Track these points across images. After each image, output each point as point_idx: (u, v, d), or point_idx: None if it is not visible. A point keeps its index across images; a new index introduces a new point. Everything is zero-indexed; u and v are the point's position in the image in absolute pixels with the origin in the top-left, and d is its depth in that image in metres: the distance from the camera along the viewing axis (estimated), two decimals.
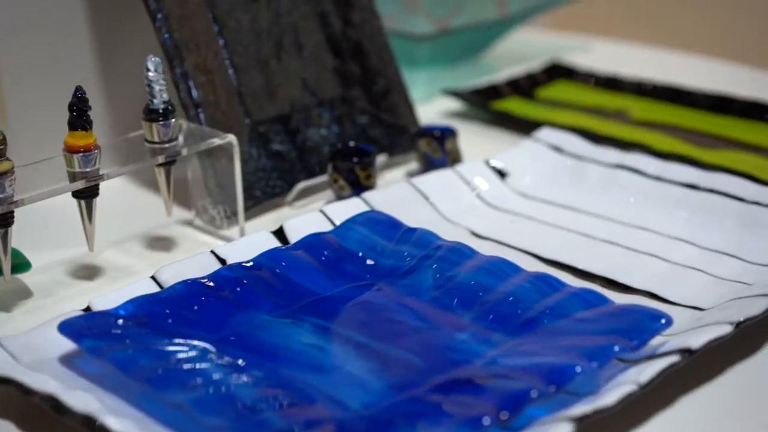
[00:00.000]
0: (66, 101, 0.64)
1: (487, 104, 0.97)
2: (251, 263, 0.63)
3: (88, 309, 0.60)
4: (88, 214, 0.67)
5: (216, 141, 0.71)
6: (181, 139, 0.70)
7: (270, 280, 0.62)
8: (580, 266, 0.68)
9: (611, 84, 1.02)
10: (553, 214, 0.75)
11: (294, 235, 0.68)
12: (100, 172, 0.66)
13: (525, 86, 1.02)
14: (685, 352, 0.54)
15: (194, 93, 0.76)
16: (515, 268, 0.62)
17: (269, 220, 0.77)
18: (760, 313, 0.58)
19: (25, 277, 0.69)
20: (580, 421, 0.49)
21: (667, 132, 0.90)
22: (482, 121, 0.96)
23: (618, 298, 0.62)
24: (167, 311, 0.58)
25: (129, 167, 0.68)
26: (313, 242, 0.66)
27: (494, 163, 0.80)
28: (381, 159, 0.84)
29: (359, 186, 0.77)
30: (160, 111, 0.68)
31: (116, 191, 0.78)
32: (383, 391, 0.53)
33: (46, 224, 0.74)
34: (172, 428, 0.51)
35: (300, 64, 0.83)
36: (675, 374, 0.55)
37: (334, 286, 0.63)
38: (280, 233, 0.68)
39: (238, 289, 0.61)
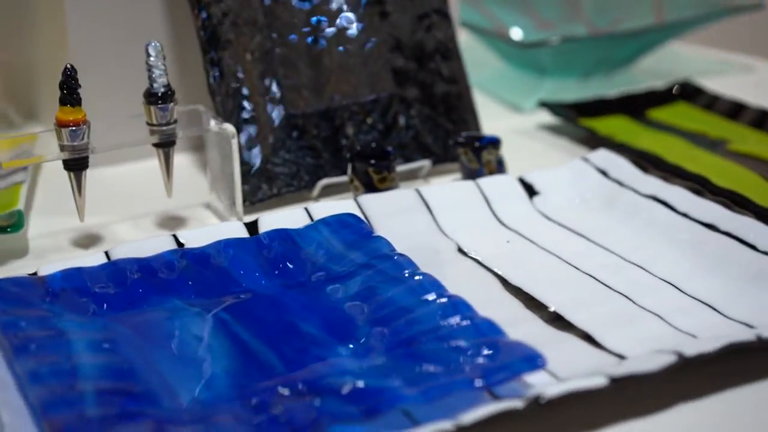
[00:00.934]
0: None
1: (576, 120, 0.92)
2: (197, 251, 0.64)
3: (35, 273, 0.63)
4: (78, 185, 0.70)
5: (212, 128, 0.73)
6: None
7: (204, 269, 0.63)
8: (537, 296, 0.63)
9: (731, 111, 0.94)
10: (558, 240, 0.71)
11: (266, 229, 0.68)
12: (90, 146, 0.69)
13: (638, 105, 0.96)
14: (534, 399, 0.50)
15: (218, 80, 0.77)
16: (439, 289, 0.60)
17: (288, 213, 0.78)
18: (640, 372, 0.52)
19: (31, 239, 0.74)
20: None
21: (752, 166, 0.82)
22: (573, 138, 0.92)
23: (554, 335, 0.59)
24: (88, 284, 0.61)
25: (119, 144, 0.71)
26: (270, 236, 0.66)
27: (529, 178, 0.77)
28: (424, 165, 0.82)
29: (373, 188, 0.76)
30: (159, 95, 0.71)
31: (150, 172, 0.81)
32: (222, 392, 0.53)
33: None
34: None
35: (357, 61, 0.82)
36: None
37: (264, 282, 0.63)
38: (254, 225, 0.69)
39: (168, 273, 0.62)
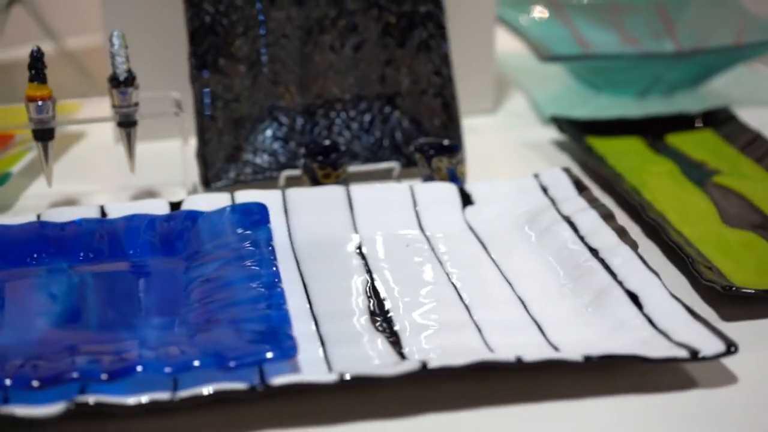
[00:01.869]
0: None
1: (582, 137, 0.92)
2: (101, 220, 0.72)
3: None
4: (45, 154, 0.79)
5: (168, 112, 0.80)
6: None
7: (102, 236, 0.70)
8: (385, 297, 0.66)
9: (746, 143, 0.90)
10: (455, 248, 0.73)
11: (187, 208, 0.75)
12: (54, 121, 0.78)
13: (657, 128, 0.94)
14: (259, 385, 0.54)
15: (204, 73, 0.84)
16: (270, 279, 0.64)
17: (215, 197, 0.82)
18: (375, 375, 0.54)
19: (23, 199, 0.84)
20: None
21: (722, 199, 0.80)
22: (576, 155, 0.91)
23: (370, 333, 0.62)
24: None
25: (81, 120, 0.80)
26: (177, 215, 0.72)
27: (470, 188, 0.79)
28: (393, 167, 0.86)
29: (317, 183, 0.80)
30: (121, 80, 0.79)
31: (154, 152, 0.90)
32: (30, 342, 0.60)
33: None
34: None
35: (347, 61, 0.87)
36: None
37: (147, 255, 0.70)
38: (177, 205, 0.75)
39: (68, 236, 0.70)
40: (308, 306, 0.65)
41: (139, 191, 0.86)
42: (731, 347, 0.57)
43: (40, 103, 0.77)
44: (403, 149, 0.87)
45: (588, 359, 0.56)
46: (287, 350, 0.56)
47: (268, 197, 0.76)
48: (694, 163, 0.88)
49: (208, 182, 0.84)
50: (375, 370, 0.55)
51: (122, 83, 0.79)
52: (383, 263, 0.71)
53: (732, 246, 0.72)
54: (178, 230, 0.71)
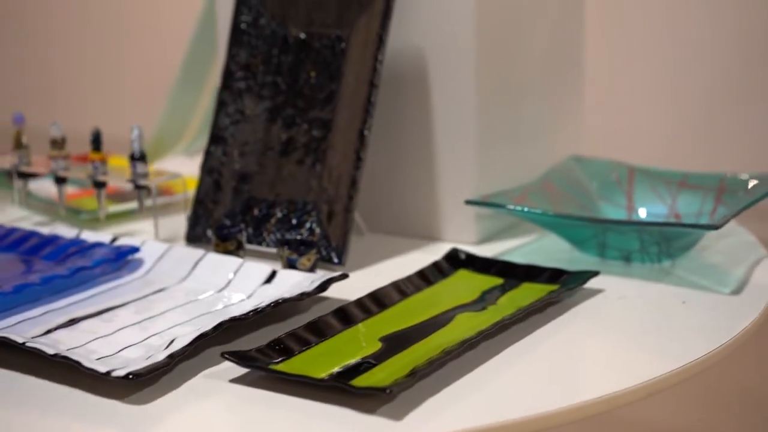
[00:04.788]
0: None
1: (454, 270, 1.08)
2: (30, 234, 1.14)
3: None
4: (99, 197, 1.24)
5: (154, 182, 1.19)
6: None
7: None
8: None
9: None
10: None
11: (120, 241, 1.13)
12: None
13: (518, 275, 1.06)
14: None
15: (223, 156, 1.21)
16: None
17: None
18: None
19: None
20: None
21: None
22: None
23: None
24: None
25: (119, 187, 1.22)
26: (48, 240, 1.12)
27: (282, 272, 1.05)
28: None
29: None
30: (135, 157, 1.20)
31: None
32: None
33: None
34: None
35: (287, 166, 1.17)
36: None
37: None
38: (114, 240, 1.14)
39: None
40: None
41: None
42: None
43: (97, 163, 1.22)
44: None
45: None
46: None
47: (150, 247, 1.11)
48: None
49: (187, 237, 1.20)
50: None
51: (137, 159, 1.20)
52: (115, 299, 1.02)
53: None
54: (63, 244, 1.10)
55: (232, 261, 1.06)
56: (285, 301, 0.95)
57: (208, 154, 1.22)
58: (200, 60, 1.26)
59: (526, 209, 1.11)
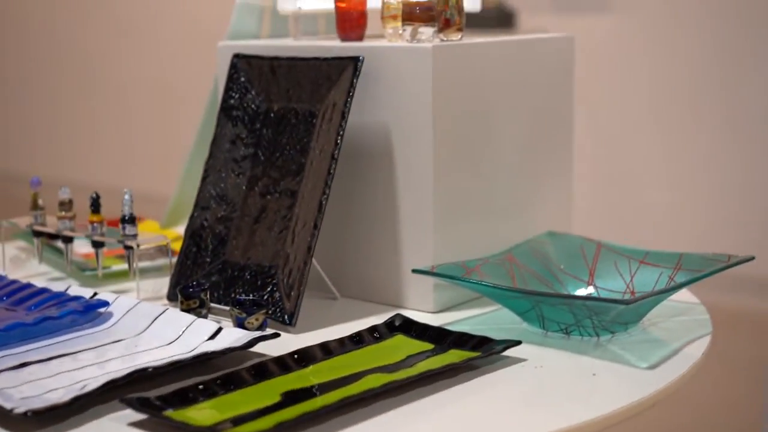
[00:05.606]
0: None
1: (391, 335, 1.13)
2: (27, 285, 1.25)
3: None
4: (98, 256, 1.34)
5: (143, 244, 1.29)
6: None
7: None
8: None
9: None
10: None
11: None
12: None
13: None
14: None
15: (205, 221, 1.30)
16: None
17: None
18: None
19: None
20: None
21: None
22: None
23: None
24: None
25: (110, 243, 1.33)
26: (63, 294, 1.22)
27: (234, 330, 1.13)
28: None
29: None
30: (125, 219, 1.30)
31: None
32: None
33: None
34: None
35: (259, 232, 1.25)
36: None
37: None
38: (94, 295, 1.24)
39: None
40: None
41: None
42: None
43: (95, 225, 1.33)
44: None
45: None
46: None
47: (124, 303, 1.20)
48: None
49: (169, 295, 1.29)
50: None
51: (126, 222, 1.30)
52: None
53: None
54: (48, 297, 1.20)
55: (186, 318, 1.14)
56: (209, 355, 1.03)
57: (192, 219, 1.31)
58: (211, 134, 1.36)
59: (465, 279, 1.16)
